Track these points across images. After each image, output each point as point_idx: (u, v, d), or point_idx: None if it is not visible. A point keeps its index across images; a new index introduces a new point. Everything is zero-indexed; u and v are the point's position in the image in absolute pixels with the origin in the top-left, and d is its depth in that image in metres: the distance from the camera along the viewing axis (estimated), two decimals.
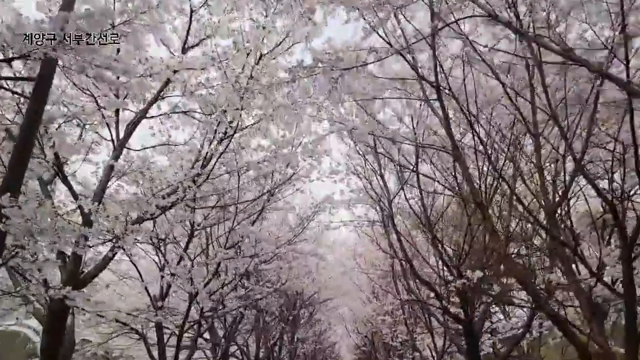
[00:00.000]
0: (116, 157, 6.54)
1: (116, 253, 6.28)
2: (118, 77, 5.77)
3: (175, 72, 6.40)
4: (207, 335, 13.73)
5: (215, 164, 6.59)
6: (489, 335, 11.91)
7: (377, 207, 10.49)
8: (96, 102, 6.00)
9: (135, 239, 6.11)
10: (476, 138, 5.41)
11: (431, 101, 5.56)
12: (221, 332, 13.67)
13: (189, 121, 7.58)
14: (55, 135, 5.94)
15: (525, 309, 12.71)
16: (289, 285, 12.77)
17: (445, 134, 5.44)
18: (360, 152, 9.54)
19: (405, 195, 9.59)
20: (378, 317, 18.09)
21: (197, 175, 6.59)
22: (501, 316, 13.51)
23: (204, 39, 7.12)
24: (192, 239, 9.71)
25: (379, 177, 9.72)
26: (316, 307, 20.60)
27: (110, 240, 5.72)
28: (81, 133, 7.07)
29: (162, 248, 9.85)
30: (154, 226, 9.91)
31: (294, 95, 6.16)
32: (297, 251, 10.04)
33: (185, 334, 12.75)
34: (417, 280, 11.11)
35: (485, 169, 6.31)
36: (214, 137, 6.84)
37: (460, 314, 9.37)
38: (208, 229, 10.09)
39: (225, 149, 6.71)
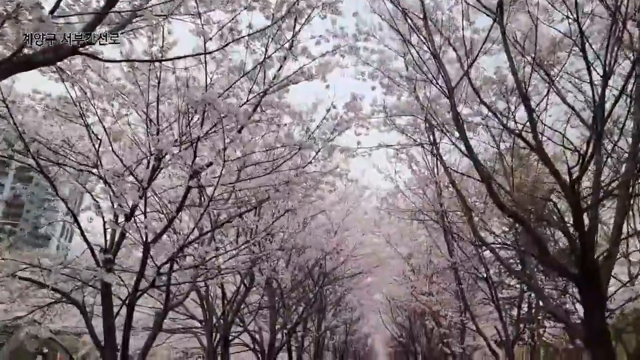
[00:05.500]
0: None
1: None
2: None
3: None
4: (200, 315, 10.59)
5: None
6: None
7: (427, 115, 7.06)
8: None
9: None
10: None
11: None
12: (219, 310, 10.46)
13: None
14: None
15: None
16: (304, 241, 9.37)
17: None
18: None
19: (471, 82, 6.15)
20: (421, 295, 14.60)
21: None
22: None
23: None
24: (158, 171, 6.48)
25: (432, 58, 6.25)
26: (345, 287, 17.14)
27: None
28: None
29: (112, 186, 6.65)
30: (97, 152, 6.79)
31: None
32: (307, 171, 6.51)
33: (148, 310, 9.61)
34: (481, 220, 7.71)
35: None
36: None
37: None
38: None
39: None
